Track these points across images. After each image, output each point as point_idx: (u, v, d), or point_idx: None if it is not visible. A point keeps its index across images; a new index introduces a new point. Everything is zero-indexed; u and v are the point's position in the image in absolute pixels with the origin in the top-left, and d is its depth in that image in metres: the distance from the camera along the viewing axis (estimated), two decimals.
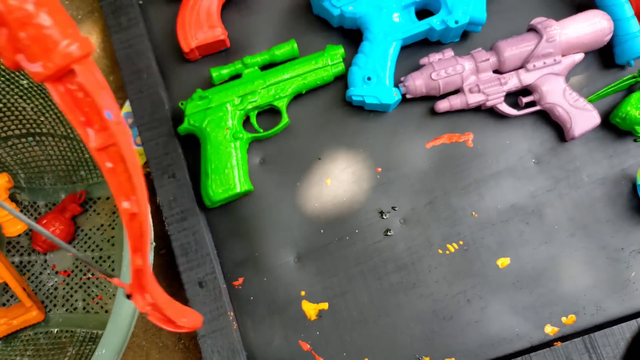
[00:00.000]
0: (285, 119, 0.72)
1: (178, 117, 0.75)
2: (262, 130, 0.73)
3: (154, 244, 0.62)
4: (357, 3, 0.71)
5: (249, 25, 0.79)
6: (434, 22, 0.70)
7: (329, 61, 0.73)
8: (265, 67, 0.76)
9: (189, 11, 0.75)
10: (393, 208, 0.71)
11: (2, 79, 0.63)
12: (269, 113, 0.75)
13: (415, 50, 0.75)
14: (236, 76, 0.75)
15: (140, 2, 0.81)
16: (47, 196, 0.77)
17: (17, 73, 0.60)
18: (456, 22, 0.69)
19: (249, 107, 0.72)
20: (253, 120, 0.73)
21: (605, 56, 0.74)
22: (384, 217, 0.70)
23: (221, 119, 0.71)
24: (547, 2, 0.76)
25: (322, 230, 0.71)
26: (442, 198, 0.70)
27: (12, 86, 0.64)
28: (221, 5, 0.77)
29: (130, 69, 0.75)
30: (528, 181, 0.70)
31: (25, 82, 0.60)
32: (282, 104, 0.72)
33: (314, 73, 0.73)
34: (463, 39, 0.76)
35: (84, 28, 0.86)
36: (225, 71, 0.73)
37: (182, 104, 0.72)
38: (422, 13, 0.75)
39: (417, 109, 0.73)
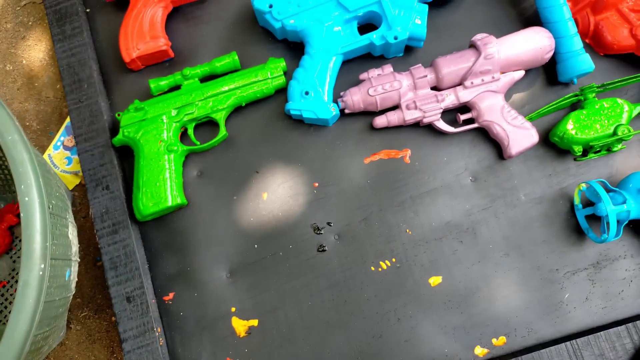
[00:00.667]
0: (222, 132, 0.72)
1: (117, 127, 0.75)
2: (199, 143, 0.72)
3: (77, 260, 0.61)
4: (298, 16, 0.70)
5: (195, 35, 0.78)
6: (374, 37, 0.69)
7: (269, 74, 0.72)
8: (206, 79, 0.75)
9: (132, 21, 0.74)
10: (328, 224, 0.70)
11: None
12: (209, 125, 0.75)
13: (359, 64, 0.75)
14: (176, 87, 0.75)
15: (88, 10, 0.80)
16: None
17: None
18: (395, 38, 0.69)
19: (186, 119, 0.71)
20: (190, 132, 0.72)
21: (548, 73, 0.73)
22: (319, 232, 0.70)
23: (156, 130, 0.70)
24: (493, 18, 0.76)
25: (256, 246, 0.70)
26: (377, 214, 0.70)
27: None
28: (166, 15, 0.77)
29: (71, 79, 0.75)
30: (464, 199, 0.69)
31: None
32: (220, 117, 0.72)
33: (254, 86, 0.72)
34: (407, 54, 0.75)
35: (34, 35, 0.85)
36: (164, 82, 0.72)
37: (118, 114, 0.72)
38: (367, 27, 0.74)
39: (357, 124, 0.73)
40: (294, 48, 0.76)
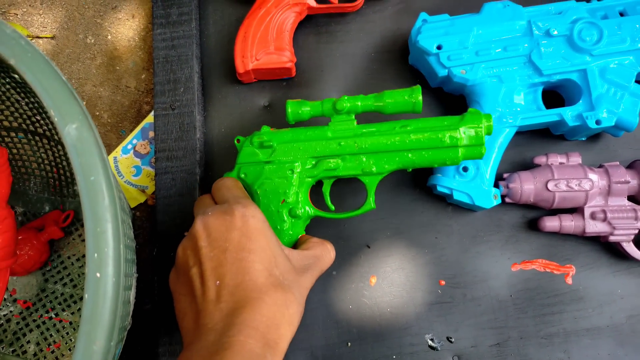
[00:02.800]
0: (370, 204, 0.51)
1: (209, 149, 0.59)
2: (333, 208, 0.53)
3: (129, 325, 0.46)
4: (473, 68, 0.54)
5: (324, 55, 0.63)
6: (568, 114, 0.53)
7: (466, 137, 0.48)
8: (362, 116, 0.55)
9: (256, 22, 0.59)
10: (448, 339, 0.54)
11: None
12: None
13: (527, 137, 0.58)
14: (318, 119, 0.54)
15: None
16: (28, 204, 0.62)
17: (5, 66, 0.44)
18: (597, 123, 0.52)
19: (325, 175, 0.51)
20: (326, 191, 0.53)
21: None
22: (434, 346, 0.53)
23: (282, 182, 0.51)
24: None
25: (349, 344, 0.54)
26: (516, 342, 0.53)
27: (3, 74, 0.48)
28: (297, 23, 0.61)
29: (165, 76, 0.60)
30: (634, 350, 0.52)
31: (17, 76, 0.44)
32: (372, 182, 0.50)
33: (438, 152, 0.48)
34: (591, 139, 0.58)
35: (128, 6, 0.70)
36: (307, 109, 0.51)
37: (238, 140, 0.54)
38: (548, 94, 0.58)
39: (512, 215, 0.56)
40: (445, 100, 0.60)
